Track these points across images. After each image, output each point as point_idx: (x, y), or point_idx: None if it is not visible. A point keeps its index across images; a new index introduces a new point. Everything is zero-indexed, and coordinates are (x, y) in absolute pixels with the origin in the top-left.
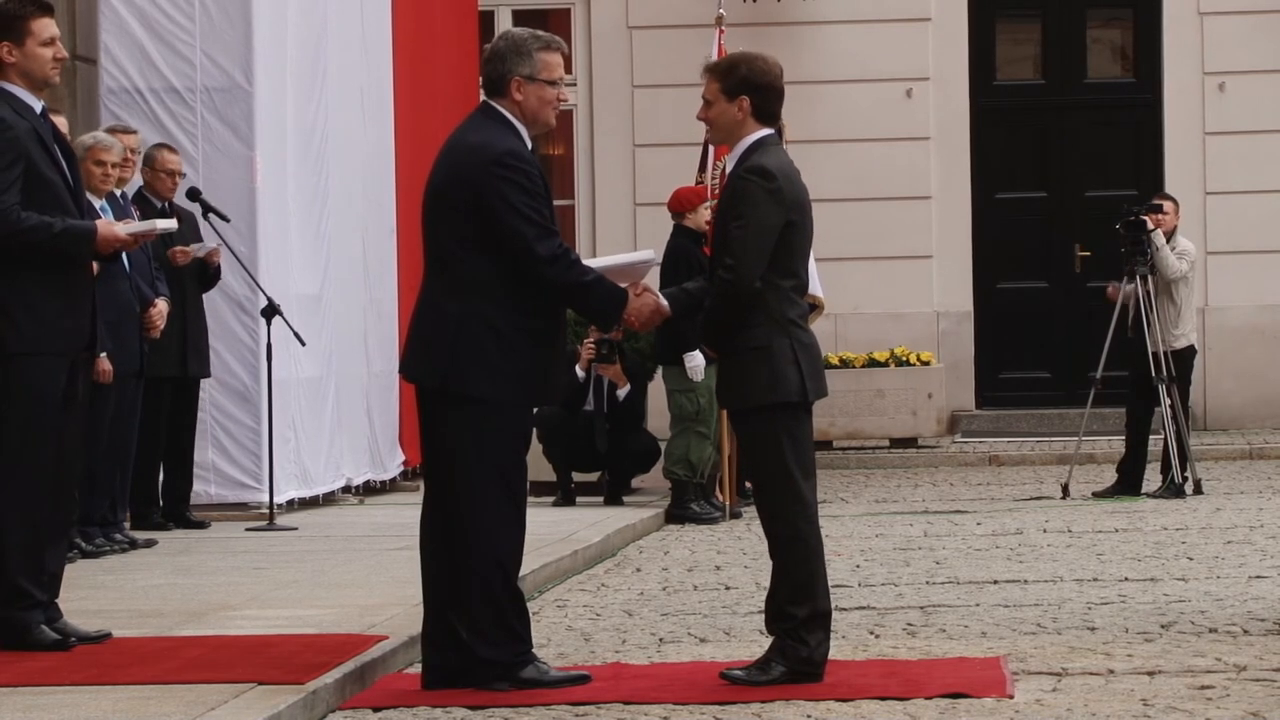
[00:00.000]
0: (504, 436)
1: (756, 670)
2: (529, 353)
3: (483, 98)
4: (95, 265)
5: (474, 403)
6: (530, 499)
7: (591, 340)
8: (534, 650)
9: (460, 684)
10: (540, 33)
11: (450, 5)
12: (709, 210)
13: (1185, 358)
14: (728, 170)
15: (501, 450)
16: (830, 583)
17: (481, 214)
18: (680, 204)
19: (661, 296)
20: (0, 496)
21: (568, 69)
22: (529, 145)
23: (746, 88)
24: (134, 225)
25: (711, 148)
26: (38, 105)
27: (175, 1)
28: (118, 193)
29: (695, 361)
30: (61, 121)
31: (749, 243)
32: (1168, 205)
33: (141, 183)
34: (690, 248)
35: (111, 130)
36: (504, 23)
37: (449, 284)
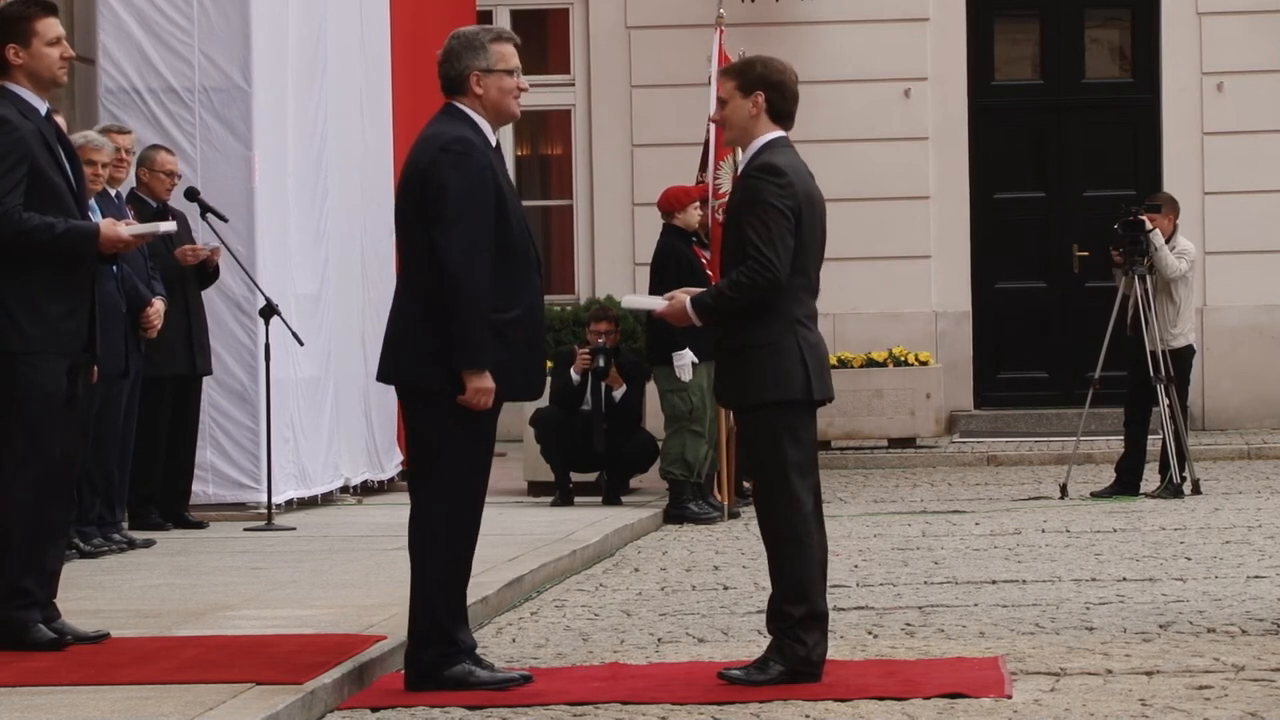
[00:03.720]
0: (464, 433)
1: (755, 670)
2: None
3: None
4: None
5: (435, 397)
6: (529, 499)
7: (586, 350)
8: (478, 650)
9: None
10: (490, 26)
11: (448, 5)
12: (699, 210)
13: (1184, 357)
14: (739, 170)
15: (461, 445)
16: (829, 583)
17: (427, 200)
18: (670, 203)
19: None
20: (2, 496)
21: (565, 69)
22: (493, 141)
23: (762, 84)
24: (136, 227)
25: (714, 149)
26: (43, 107)
27: (173, 1)
28: (112, 192)
29: (683, 360)
30: (63, 122)
31: (774, 237)
32: (1166, 207)
33: (135, 182)
34: (680, 247)
35: (106, 130)
36: (502, 22)
37: (415, 281)
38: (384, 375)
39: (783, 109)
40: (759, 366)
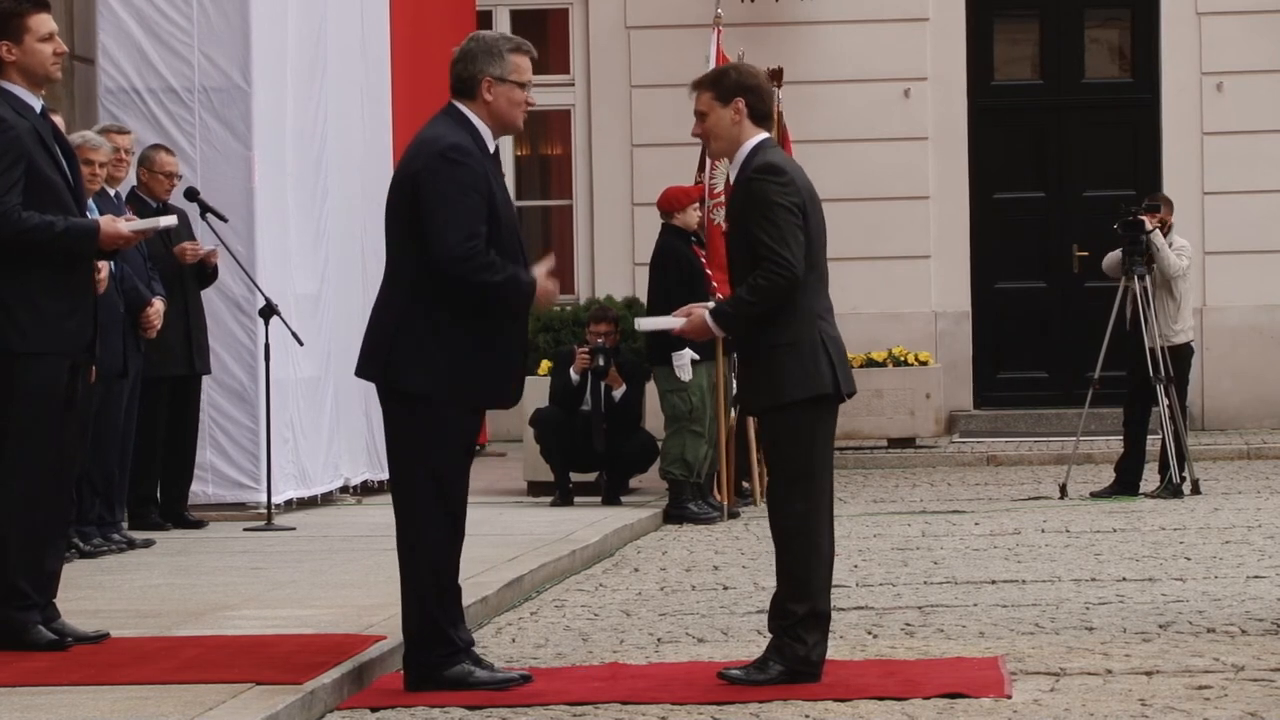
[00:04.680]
0: (441, 437)
1: (755, 669)
2: (472, 353)
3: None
4: (102, 266)
5: (411, 399)
6: (528, 499)
7: (585, 350)
8: (475, 649)
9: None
10: (510, 35)
11: (448, 5)
12: (698, 210)
13: (1183, 355)
14: (732, 177)
15: (437, 450)
16: None
17: (419, 205)
18: (669, 203)
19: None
20: (0, 496)
21: (565, 69)
22: (491, 148)
23: (740, 89)
24: (137, 222)
25: None
26: (37, 104)
27: (173, 1)
28: (111, 191)
29: (682, 360)
30: (59, 120)
31: (785, 236)
32: (1164, 206)
33: (136, 183)
34: (679, 247)
35: (105, 130)
36: (502, 23)
37: (400, 280)
38: (363, 372)
39: (762, 110)
40: (786, 366)
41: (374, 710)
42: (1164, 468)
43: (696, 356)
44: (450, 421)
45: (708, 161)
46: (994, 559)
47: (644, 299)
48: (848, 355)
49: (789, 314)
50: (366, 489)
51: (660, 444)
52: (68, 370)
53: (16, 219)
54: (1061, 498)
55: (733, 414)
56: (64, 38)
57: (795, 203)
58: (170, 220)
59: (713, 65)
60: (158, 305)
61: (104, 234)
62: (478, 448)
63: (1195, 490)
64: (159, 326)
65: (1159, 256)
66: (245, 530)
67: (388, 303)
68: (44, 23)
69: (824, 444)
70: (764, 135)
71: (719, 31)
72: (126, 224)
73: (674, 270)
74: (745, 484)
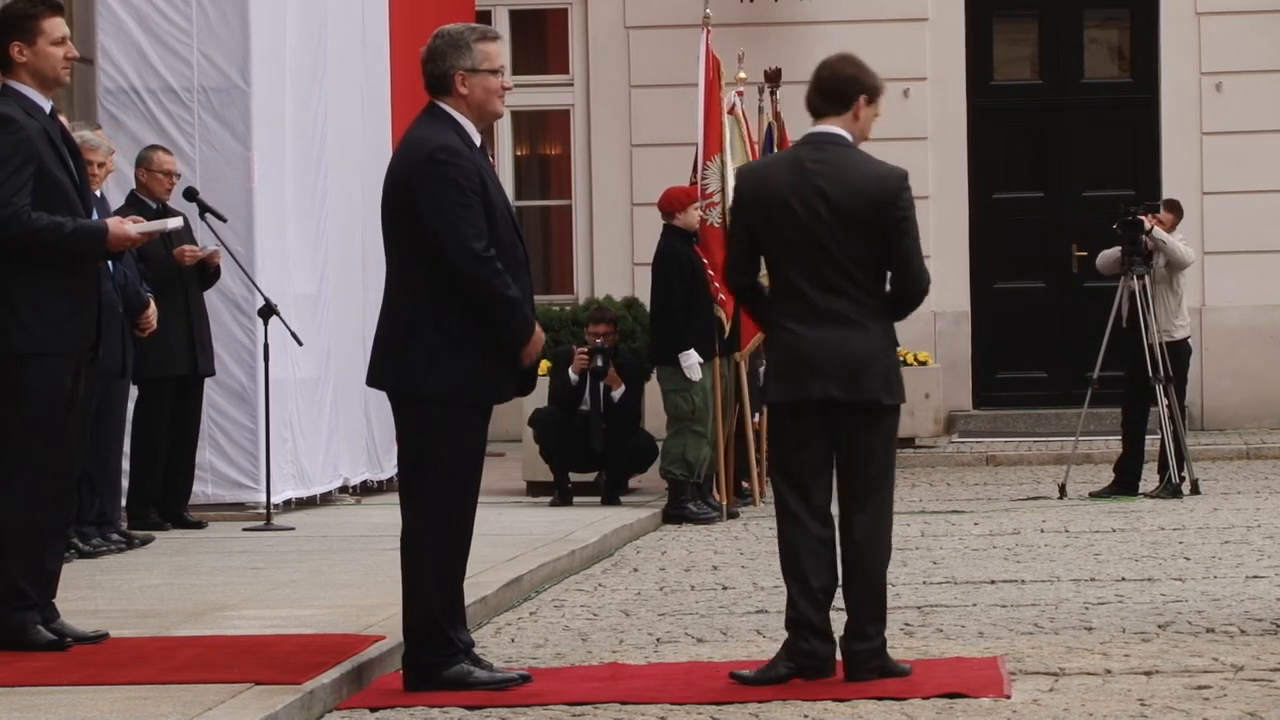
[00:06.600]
0: (458, 438)
1: (766, 669)
2: (485, 351)
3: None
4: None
5: (426, 403)
6: (527, 499)
7: (584, 350)
8: (475, 650)
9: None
10: (475, 25)
11: (447, 5)
12: (698, 210)
13: (1182, 353)
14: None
15: (453, 453)
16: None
17: (417, 211)
18: (670, 204)
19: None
20: (2, 496)
21: (564, 69)
22: (476, 141)
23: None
24: (144, 224)
25: (701, 151)
26: (46, 105)
27: (173, 2)
28: (97, 192)
29: (690, 360)
30: (64, 121)
31: (727, 244)
32: (1167, 208)
33: (136, 184)
34: (681, 248)
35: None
36: (501, 22)
37: (402, 287)
38: (374, 380)
39: (810, 102)
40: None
41: (373, 710)
42: (1163, 468)
43: (701, 360)
44: (466, 423)
45: (700, 162)
46: (993, 559)
47: (644, 299)
48: (819, 359)
49: (764, 323)
50: (365, 489)
51: (660, 444)
52: (70, 370)
53: (26, 219)
54: (1061, 498)
55: (733, 414)
56: None
57: (734, 213)
58: (176, 222)
59: (702, 66)
60: (154, 306)
61: (112, 235)
62: None
63: (1194, 490)
64: (154, 326)
65: (1167, 249)
66: (244, 530)
67: (394, 308)
68: (57, 26)
69: (780, 448)
70: (811, 129)
71: (708, 32)
72: (134, 225)
73: (676, 271)
74: (745, 484)
